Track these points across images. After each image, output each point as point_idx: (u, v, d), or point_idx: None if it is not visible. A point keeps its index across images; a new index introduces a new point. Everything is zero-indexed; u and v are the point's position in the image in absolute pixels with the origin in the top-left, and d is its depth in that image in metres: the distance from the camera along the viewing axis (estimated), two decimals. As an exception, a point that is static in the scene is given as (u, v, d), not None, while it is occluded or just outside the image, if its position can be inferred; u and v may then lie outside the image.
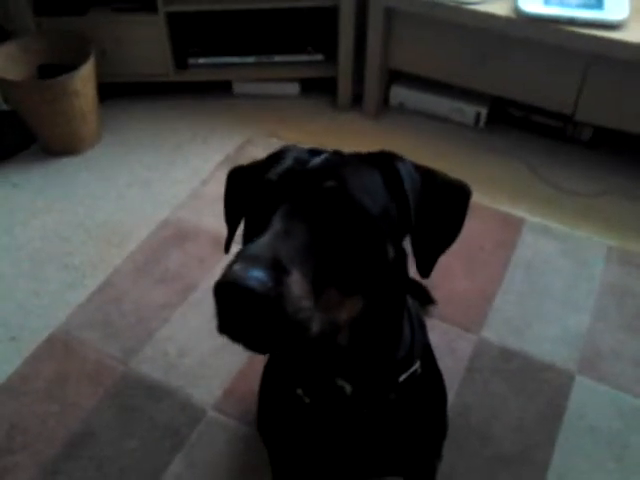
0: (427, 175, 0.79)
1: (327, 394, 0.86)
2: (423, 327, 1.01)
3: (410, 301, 0.92)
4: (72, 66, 2.08)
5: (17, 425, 1.46)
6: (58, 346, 1.62)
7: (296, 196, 0.69)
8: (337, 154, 0.76)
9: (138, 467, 1.39)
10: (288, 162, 0.73)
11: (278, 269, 0.61)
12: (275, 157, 0.78)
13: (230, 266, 0.61)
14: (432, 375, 0.99)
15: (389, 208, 0.73)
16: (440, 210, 0.78)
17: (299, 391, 0.88)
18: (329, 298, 0.66)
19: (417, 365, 0.90)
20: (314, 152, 0.76)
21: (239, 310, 0.60)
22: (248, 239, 0.74)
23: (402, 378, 0.87)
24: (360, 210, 0.69)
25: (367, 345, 0.79)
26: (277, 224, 0.66)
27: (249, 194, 0.76)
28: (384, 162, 0.76)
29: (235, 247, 0.77)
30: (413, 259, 0.77)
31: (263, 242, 0.63)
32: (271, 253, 0.62)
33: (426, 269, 0.77)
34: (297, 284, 0.62)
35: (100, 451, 1.41)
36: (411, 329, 0.89)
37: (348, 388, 0.84)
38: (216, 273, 1.82)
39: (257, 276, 0.59)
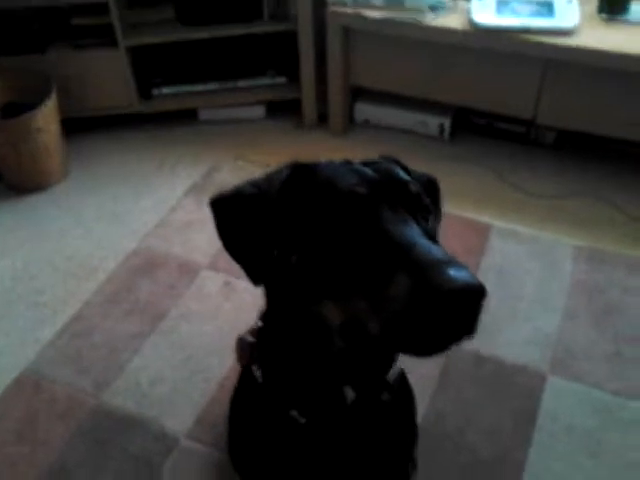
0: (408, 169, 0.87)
1: (327, 407, 0.85)
2: None
3: None
4: (35, 104, 2.09)
5: (-13, 468, 1.44)
6: (27, 385, 1.60)
7: (396, 204, 0.71)
8: (375, 162, 0.81)
9: (112, 501, 1.37)
10: (353, 176, 0.74)
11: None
12: (291, 183, 0.77)
13: (438, 272, 0.61)
14: (403, 377, 0.99)
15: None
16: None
17: (293, 413, 0.87)
18: None
19: (398, 363, 0.90)
20: (349, 163, 0.80)
21: (470, 307, 0.63)
22: (339, 261, 0.70)
23: (390, 376, 0.87)
24: (428, 205, 0.77)
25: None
26: (410, 227, 0.68)
27: (315, 215, 0.72)
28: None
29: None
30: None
31: (429, 245, 0.65)
32: (446, 251, 0.65)
33: None
34: None
35: (73, 488, 1.39)
36: None
37: (351, 395, 0.83)
38: (185, 299, 1.82)
39: (472, 275, 0.61)
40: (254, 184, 0.80)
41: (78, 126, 2.42)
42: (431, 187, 0.87)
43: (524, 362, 1.59)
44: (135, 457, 1.44)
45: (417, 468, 1.34)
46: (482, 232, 1.96)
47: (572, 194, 2.11)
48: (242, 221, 0.78)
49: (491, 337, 1.65)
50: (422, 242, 0.65)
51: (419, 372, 1.54)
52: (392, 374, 0.88)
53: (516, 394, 1.52)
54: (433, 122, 2.36)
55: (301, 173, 0.78)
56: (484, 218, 2.01)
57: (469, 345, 1.61)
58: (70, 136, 2.33)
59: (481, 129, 2.38)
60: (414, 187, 0.74)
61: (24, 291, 1.87)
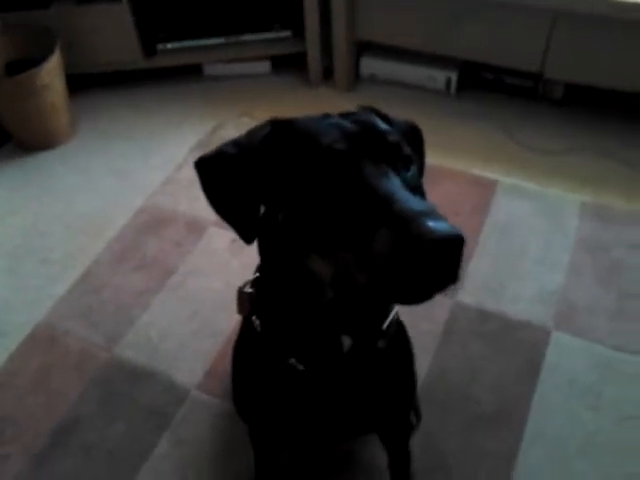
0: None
1: (325, 354, 0.87)
2: None
3: None
4: (40, 60, 2.08)
5: (6, 418, 1.49)
6: (42, 339, 1.64)
7: (376, 156, 0.71)
8: (352, 114, 0.79)
9: (126, 449, 1.42)
10: (332, 131, 0.73)
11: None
12: (270, 139, 0.77)
13: (417, 224, 0.61)
14: (400, 326, 1.01)
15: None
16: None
17: (292, 360, 0.89)
18: None
19: (395, 311, 0.92)
20: (328, 116, 0.78)
21: (448, 258, 0.62)
22: (320, 215, 0.71)
23: (386, 325, 0.89)
24: (408, 155, 0.75)
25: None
26: (391, 180, 0.69)
27: (298, 171, 0.73)
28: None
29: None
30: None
31: (408, 198, 0.66)
32: (426, 203, 0.66)
33: None
34: None
35: (88, 437, 1.44)
36: None
37: (347, 342, 0.85)
38: (193, 256, 1.84)
39: (453, 227, 0.62)
40: (236, 143, 0.81)
41: (84, 83, 2.41)
42: (413, 134, 0.87)
43: (528, 318, 1.61)
44: (147, 408, 1.48)
45: (421, 418, 1.38)
46: (488, 189, 1.96)
47: (579, 150, 2.09)
48: (226, 180, 0.79)
49: (496, 293, 1.67)
50: (402, 195, 0.66)
51: (423, 328, 1.58)
52: (388, 323, 0.89)
53: (520, 349, 1.54)
54: (440, 76, 2.33)
55: (281, 130, 0.78)
56: (490, 174, 2.01)
57: (473, 301, 1.64)
58: (76, 94, 2.33)
59: (489, 84, 2.35)
60: (393, 137, 0.74)
61: (34, 248, 1.90)
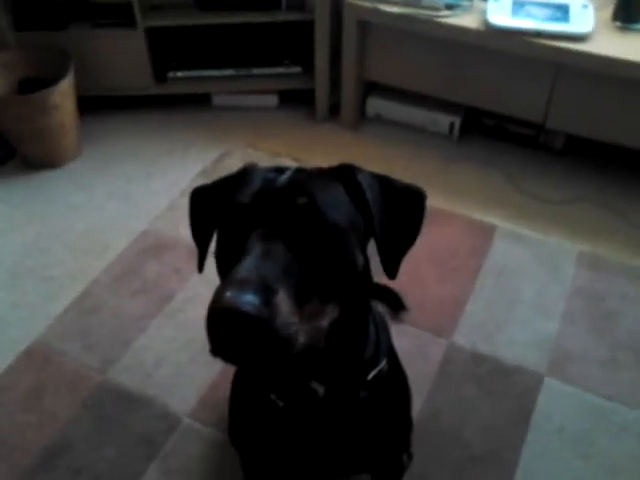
0: (385, 182, 0.83)
1: (300, 397, 0.88)
2: (386, 329, 1.05)
3: (374, 304, 0.95)
4: (52, 80, 2.11)
5: (-5, 435, 1.48)
6: (37, 357, 1.64)
7: (271, 216, 0.72)
8: (301, 171, 0.79)
9: (114, 475, 1.41)
10: (256, 183, 0.76)
11: (266, 290, 0.64)
12: (239, 177, 0.82)
13: (221, 292, 0.63)
14: (396, 372, 1.03)
15: (355, 219, 0.77)
16: (400, 214, 0.82)
17: (273, 396, 0.91)
18: (311, 309, 0.70)
19: (384, 363, 0.93)
20: (278, 170, 0.78)
21: (233, 333, 0.63)
22: (223, 260, 0.76)
23: (371, 376, 0.90)
24: (331, 224, 0.73)
25: (339, 347, 0.82)
26: (257, 246, 0.69)
27: (220, 216, 0.79)
28: (345, 175, 0.80)
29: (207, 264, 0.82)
30: (380, 263, 0.81)
31: (248, 265, 0.66)
32: (257, 275, 0.65)
33: (392, 270, 0.82)
34: (284, 302, 0.65)
35: (77, 460, 1.43)
36: (376, 329, 0.93)
37: (321, 390, 0.87)
38: (192, 283, 1.85)
39: (250, 300, 0.62)
40: (217, 181, 0.88)
41: (93, 105, 2.44)
42: (411, 199, 0.83)
43: (521, 363, 1.62)
44: (137, 434, 1.48)
45: (412, 458, 1.38)
46: (487, 233, 1.99)
47: (578, 200, 2.13)
48: (198, 213, 0.91)
49: (490, 337, 1.68)
50: (244, 263, 0.67)
51: (418, 368, 1.59)
52: (375, 373, 0.91)
53: (512, 394, 1.55)
54: (444, 120, 2.38)
55: (240, 175, 0.83)
56: (489, 219, 2.04)
57: (468, 343, 1.66)
58: (85, 115, 2.35)
59: (491, 130, 2.40)
60: (302, 200, 0.73)
61: (34, 265, 1.91)
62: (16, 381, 1.58)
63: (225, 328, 0.63)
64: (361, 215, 0.78)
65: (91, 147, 2.34)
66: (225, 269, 0.75)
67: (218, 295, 0.64)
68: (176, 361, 1.63)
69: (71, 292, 1.81)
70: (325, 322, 0.74)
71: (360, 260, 0.77)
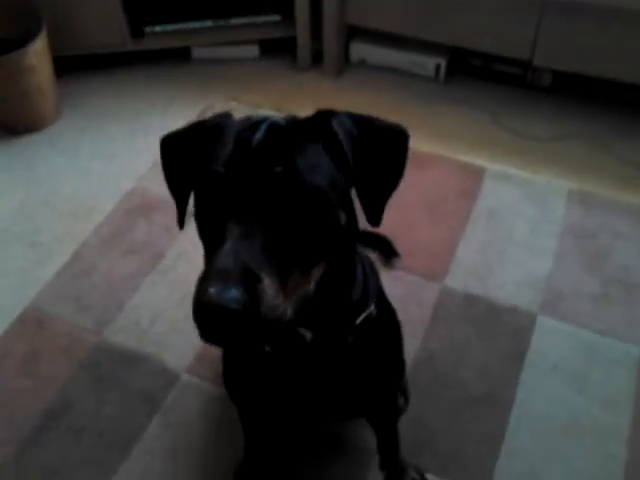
0: (364, 123, 0.79)
1: (288, 343, 0.88)
2: (375, 272, 1.04)
3: (360, 249, 0.94)
4: (24, 42, 2.05)
5: (-6, 401, 1.49)
6: (30, 323, 1.64)
7: (247, 189, 0.69)
8: (276, 125, 0.74)
9: (116, 431, 1.42)
10: (230, 144, 0.73)
11: (250, 279, 0.63)
12: (212, 131, 0.78)
13: (203, 285, 0.63)
14: (386, 316, 1.02)
15: (335, 176, 0.74)
16: (381, 156, 0.78)
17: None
18: (296, 281, 0.69)
19: (372, 307, 0.93)
20: (252, 126, 0.74)
21: (221, 324, 0.63)
22: (202, 224, 0.74)
23: (359, 320, 0.90)
24: (311, 191, 0.70)
25: (325, 295, 0.80)
26: (236, 229, 0.67)
27: (195, 179, 0.76)
28: (322, 124, 0.76)
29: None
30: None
31: (228, 252, 0.65)
32: (239, 263, 0.64)
33: (375, 217, 0.79)
34: (269, 287, 0.65)
35: (78, 420, 1.45)
36: (363, 274, 0.92)
37: (308, 335, 0.86)
38: (182, 242, 1.82)
39: (234, 296, 0.61)
40: (193, 126, 0.83)
41: (70, 66, 2.38)
42: (393, 139, 0.80)
43: (514, 303, 1.63)
44: (137, 391, 1.49)
45: (409, 401, 1.40)
46: (476, 175, 1.97)
47: (566, 137, 2.11)
48: (170, 164, 0.85)
49: (482, 278, 1.69)
50: (224, 250, 0.65)
51: (412, 312, 1.60)
52: (362, 318, 0.90)
53: (506, 334, 1.57)
54: (429, 62, 2.33)
55: (213, 129, 0.79)
56: (478, 161, 2.02)
57: (460, 285, 1.66)
58: (62, 76, 2.29)
59: (477, 71, 2.36)
60: (279, 169, 0.69)
61: (21, 231, 1.89)
62: (11, 348, 1.59)
63: (212, 320, 0.63)
64: (342, 167, 0.75)
65: (71, 109, 2.29)
66: (205, 236, 0.74)
67: (201, 289, 0.63)
68: (171, 318, 1.63)
69: (61, 256, 1.79)
70: (311, 285, 0.73)
71: (343, 218, 0.75)
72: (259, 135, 0.72)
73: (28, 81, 2.09)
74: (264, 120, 0.75)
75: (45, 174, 2.06)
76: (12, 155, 2.14)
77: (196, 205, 0.75)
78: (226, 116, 0.81)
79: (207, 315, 0.63)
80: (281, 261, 0.67)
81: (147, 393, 1.49)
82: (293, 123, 0.76)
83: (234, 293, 0.62)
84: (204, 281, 0.64)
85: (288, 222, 0.69)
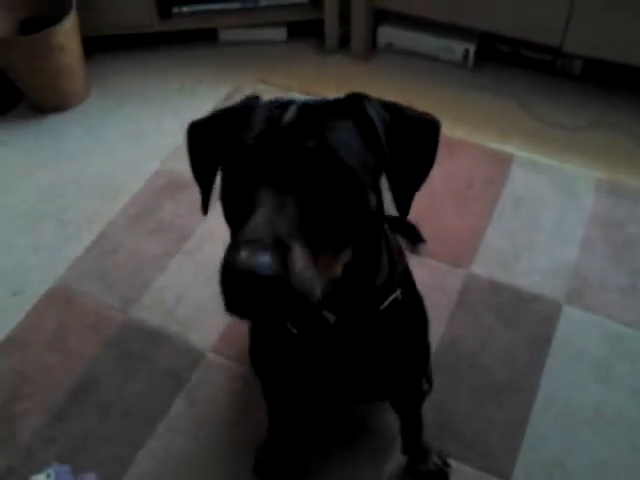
0: (396, 112, 0.78)
1: (312, 325, 0.89)
2: (402, 255, 1.04)
3: (387, 231, 0.93)
4: (54, 20, 2.06)
5: (24, 374, 1.52)
6: (59, 299, 1.66)
7: (279, 163, 0.68)
8: (307, 105, 0.74)
9: (142, 408, 1.45)
10: (260, 122, 0.72)
11: (281, 248, 0.62)
12: (240, 113, 0.77)
13: (234, 251, 0.61)
14: (413, 300, 1.02)
15: (366, 157, 0.74)
16: (412, 145, 0.78)
17: (287, 323, 0.91)
18: (326, 258, 0.69)
19: (398, 292, 0.93)
20: (282, 106, 0.74)
21: (249, 293, 0.61)
22: (229, 205, 0.74)
23: (383, 306, 0.90)
24: (343, 167, 0.69)
25: (350, 280, 0.80)
26: (268, 199, 0.66)
27: (223, 158, 0.76)
28: (354, 107, 0.76)
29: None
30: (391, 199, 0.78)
31: (260, 221, 0.64)
32: (271, 232, 0.63)
33: (404, 207, 0.78)
34: (300, 258, 0.64)
35: (104, 396, 1.47)
36: (389, 258, 0.91)
37: (332, 318, 0.87)
38: (209, 223, 1.84)
39: (265, 261, 0.60)
40: (221, 111, 0.83)
41: (99, 46, 2.39)
42: (423, 130, 0.79)
43: (540, 291, 1.62)
44: (162, 369, 1.51)
45: (433, 385, 1.41)
46: (504, 162, 1.96)
47: (596, 126, 2.08)
48: (197, 150, 0.84)
49: (509, 266, 1.68)
50: (256, 219, 0.65)
51: (437, 298, 1.60)
52: (387, 303, 0.90)
53: (531, 322, 1.56)
54: (458, 47, 2.31)
55: (241, 111, 0.78)
56: (506, 148, 2.00)
57: (486, 272, 1.66)
58: (90, 56, 2.30)
59: (506, 57, 2.33)
60: (312, 144, 0.69)
61: (49, 209, 1.91)
62: (40, 323, 1.61)
63: (240, 288, 0.61)
64: (372, 150, 0.75)
65: (99, 89, 2.31)
66: (232, 215, 0.73)
67: (231, 255, 0.62)
68: (197, 298, 1.64)
69: (88, 234, 1.81)
70: (340, 267, 0.72)
71: (373, 201, 0.74)
72: (290, 113, 0.72)
73: (58, 60, 2.10)
74: (293, 101, 0.74)
75: (73, 153, 2.08)
76: (41, 134, 2.16)
77: (223, 182, 0.75)
78: (254, 98, 0.81)
79: (236, 282, 0.61)
80: (312, 236, 0.66)
81: (172, 371, 1.51)
82: (324, 104, 0.76)
83: (266, 259, 0.60)
84: (233, 248, 0.62)
85: (320, 197, 0.68)
